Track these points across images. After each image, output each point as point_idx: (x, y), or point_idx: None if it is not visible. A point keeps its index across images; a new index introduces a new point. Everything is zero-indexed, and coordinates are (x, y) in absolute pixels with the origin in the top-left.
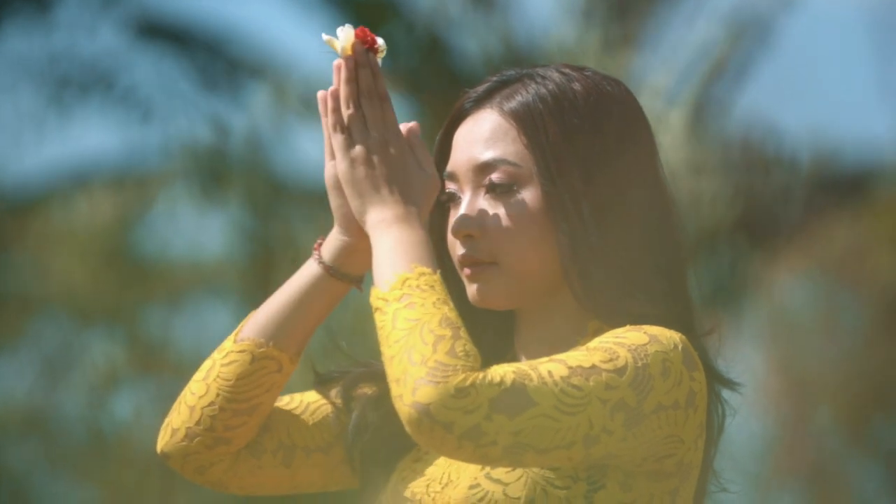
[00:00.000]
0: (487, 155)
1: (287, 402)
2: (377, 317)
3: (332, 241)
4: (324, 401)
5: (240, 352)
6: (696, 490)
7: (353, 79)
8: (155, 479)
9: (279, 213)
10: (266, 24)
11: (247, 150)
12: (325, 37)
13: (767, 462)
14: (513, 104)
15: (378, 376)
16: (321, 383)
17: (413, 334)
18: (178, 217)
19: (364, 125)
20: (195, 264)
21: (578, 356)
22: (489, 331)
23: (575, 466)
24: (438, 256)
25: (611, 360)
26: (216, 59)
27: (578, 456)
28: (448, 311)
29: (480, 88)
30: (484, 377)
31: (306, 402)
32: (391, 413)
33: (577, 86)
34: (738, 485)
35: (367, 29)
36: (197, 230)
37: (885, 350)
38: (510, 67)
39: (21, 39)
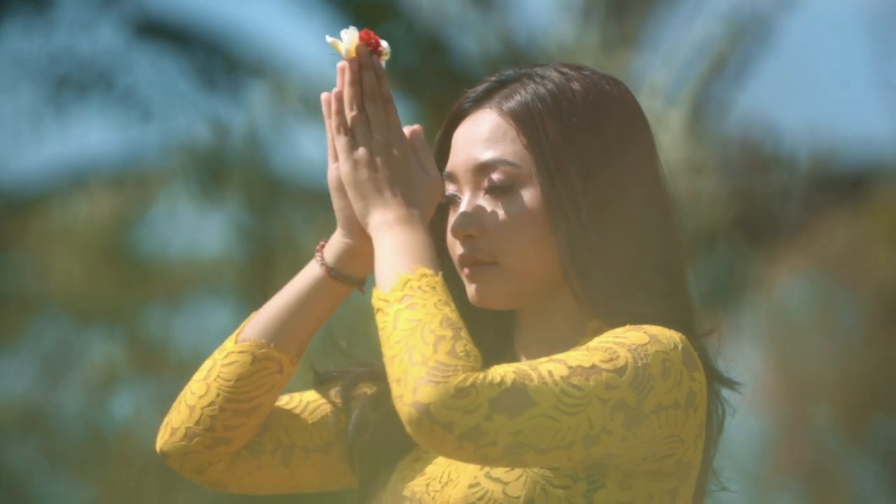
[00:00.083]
0: (487, 155)
1: (286, 401)
2: (378, 318)
3: (335, 243)
4: (323, 400)
5: (241, 352)
6: (695, 489)
7: (357, 81)
8: (154, 479)
9: (278, 213)
10: (265, 23)
11: (246, 150)
12: (329, 39)
13: (766, 461)
14: (512, 104)
15: (378, 376)
16: (321, 383)
17: (414, 335)
18: (177, 216)
19: (367, 127)
20: (194, 263)
21: (578, 356)
22: (489, 331)
23: (574, 466)
24: (438, 256)
25: (611, 359)
26: (215, 59)
27: (578, 456)
28: (449, 311)
29: (479, 88)
30: (484, 377)
31: (305, 401)
32: (391, 412)
33: (575, 85)
34: (737, 483)
35: (371, 31)
36: (196, 229)
37: (884, 349)
38: (509, 67)
39: (20, 38)
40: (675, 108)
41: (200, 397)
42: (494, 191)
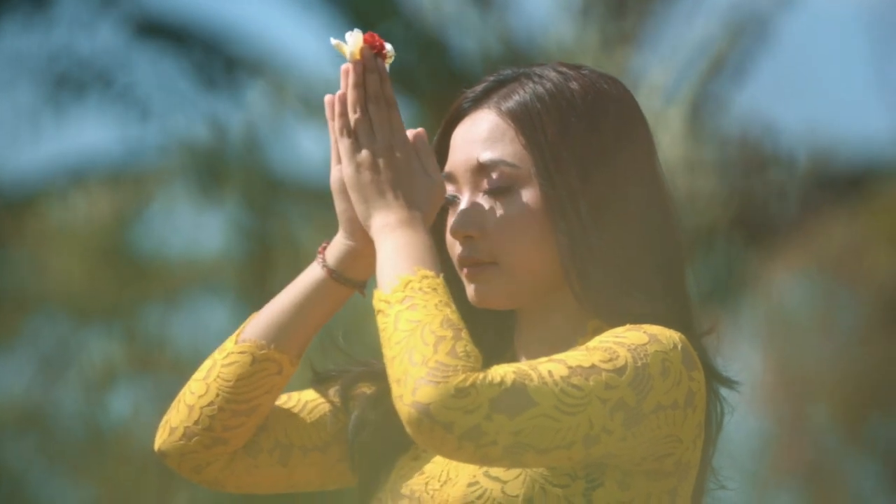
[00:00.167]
0: (486, 156)
1: (285, 400)
2: (379, 319)
3: (337, 246)
4: (322, 399)
5: (240, 353)
6: (694, 489)
7: (361, 83)
8: (153, 477)
9: (277, 211)
10: (264, 22)
11: (245, 148)
12: (333, 41)
13: (765, 460)
14: (510, 104)
15: (377, 375)
16: (319, 382)
17: (414, 335)
18: (175, 215)
19: (371, 130)
20: (193, 262)
21: (578, 356)
22: (489, 331)
23: (573, 465)
24: (439, 258)
25: (610, 359)
26: (214, 58)
27: (578, 455)
28: (450, 312)
29: (478, 88)
30: (484, 377)
31: (304, 400)
32: (390, 411)
33: (574, 85)
34: (736, 482)
35: (375, 34)
36: (194, 228)
37: (883, 348)
38: (507, 67)
39: (20, 36)
40: (675, 107)
41: (200, 397)
42: (494, 191)
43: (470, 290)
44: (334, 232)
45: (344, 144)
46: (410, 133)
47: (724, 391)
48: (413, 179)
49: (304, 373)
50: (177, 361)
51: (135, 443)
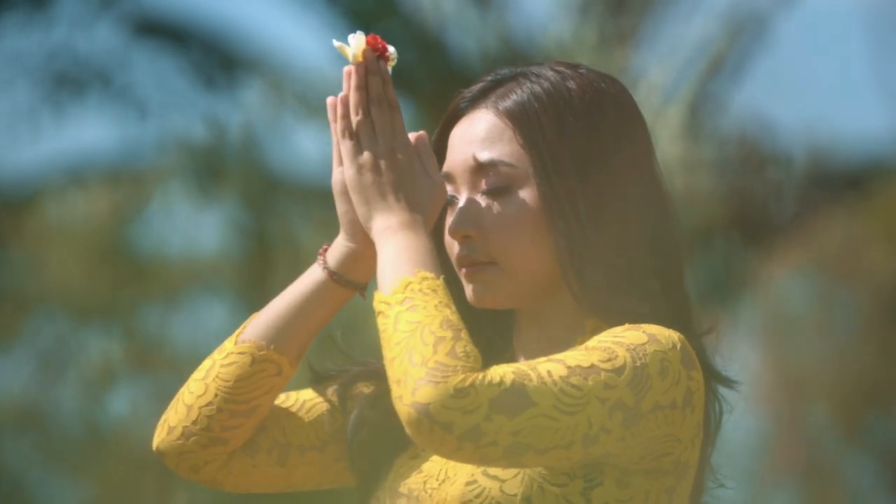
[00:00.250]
0: (484, 156)
1: (283, 399)
2: (379, 320)
3: (338, 248)
4: (320, 399)
5: (240, 353)
6: (693, 487)
7: (364, 86)
8: (151, 476)
9: (275, 210)
10: (263, 21)
11: (243, 147)
12: (336, 43)
13: (763, 458)
14: (508, 103)
15: (375, 375)
16: (318, 381)
17: (414, 336)
18: (174, 214)
19: (373, 132)
20: (191, 261)
21: (577, 356)
22: (487, 330)
23: (572, 464)
24: (440, 259)
25: (609, 359)
26: (213, 57)
27: (577, 455)
28: (450, 313)
29: (475, 88)
30: (483, 377)
31: (302, 399)
32: (389, 410)
33: (571, 84)
34: (735, 481)
35: (378, 36)
36: (193, 227)
37: (881, 346)
38: (504, 66)
39: (19, 35)
40: (673, 106)
41: (199, 397)
42: (492, 191)
43: (468, 290)
44: (333, 231)
45: (346, 146)
46: (412, 136)
47: (722, 390)
48: (414, 182)
49: (303, 372)
50: (175, 360)
51: (133, 442)
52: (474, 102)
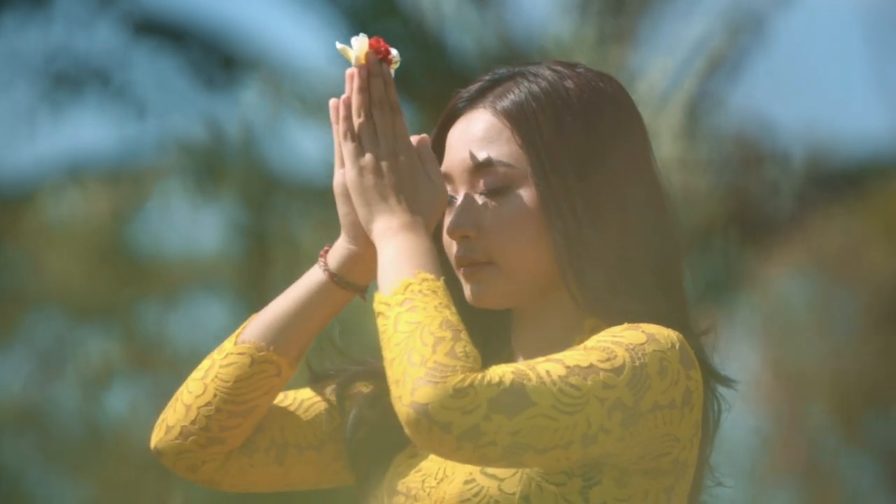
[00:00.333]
0: (482, 156)
1: (281, 398)
2: (379, 321)
3: (339, 250)
4: (318, 398)
5: (239, 354)
6: (691, 487)
7: (366, 88)
8: (150, 476)
9: (274, 209)
10: (262, 21)
11: (242, 147)
12: (339, 45)
13: (762, 458)
14: (505, 103)
15: (374, 374)
16: (316, 380)
17: (413, 336)
18: (173, 213)
19: (374, 134)
20: (190, 260)
21: (576, 355)
22: (486, 330)
23: (570, 464)
24: (439, 260)
25: (608, 359)
26: (212, 56)
27: (576, 455)
28: (449, 314)
29: (472, 88)
30: (482, 377)
31: (300, 399)
32: (387, 409)
33: (569, 83)
34: (733, 480)
35: (381, 39)
36: (192, 226)
37: (880, 346)
38: (501, 66)
39: (18, 34)
40: (672, 105)
41: (197, 397)
42: (490, 191)
43: (467, 289)
44: (333, 231)
45: (347, 148)
46: (414, 139)
47: (721, 389)
48: (416, 184)
49: (302, 372)
50: (174, 360)
51: (132, 441)
52: (472, 102)
